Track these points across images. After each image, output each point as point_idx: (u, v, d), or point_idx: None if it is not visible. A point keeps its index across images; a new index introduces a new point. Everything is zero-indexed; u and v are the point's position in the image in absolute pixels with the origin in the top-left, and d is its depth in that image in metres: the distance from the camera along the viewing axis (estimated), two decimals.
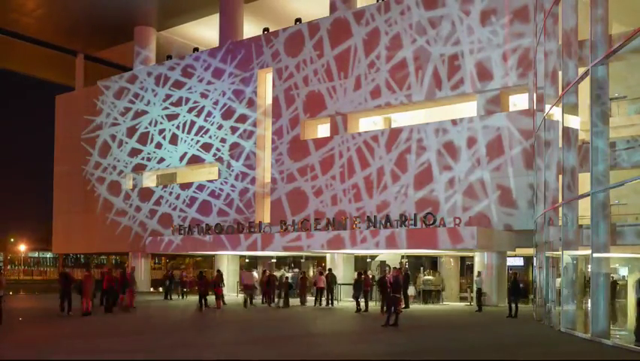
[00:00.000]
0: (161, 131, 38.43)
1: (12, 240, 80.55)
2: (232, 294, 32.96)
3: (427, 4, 28.41)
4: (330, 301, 25.79)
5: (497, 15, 26.43)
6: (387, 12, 29.51)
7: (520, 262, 35.09)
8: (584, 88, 15.67)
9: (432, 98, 28.19)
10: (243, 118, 34.60)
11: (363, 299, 23.56)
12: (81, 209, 43.24)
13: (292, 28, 33.16)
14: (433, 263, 32.59)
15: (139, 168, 39.74)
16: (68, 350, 13.11)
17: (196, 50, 39.68)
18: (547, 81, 19.19)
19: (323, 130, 32.36)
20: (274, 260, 37.62)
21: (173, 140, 37.77)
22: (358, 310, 23.21)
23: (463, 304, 27.79)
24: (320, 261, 36.86)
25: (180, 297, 31.79)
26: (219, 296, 25.41)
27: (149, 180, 39.93)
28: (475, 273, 25.70)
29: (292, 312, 23.55)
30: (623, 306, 17.32)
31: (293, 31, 32.99)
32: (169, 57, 40.50)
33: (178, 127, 37.57)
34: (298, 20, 33.53)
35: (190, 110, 37.04)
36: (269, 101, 34.09)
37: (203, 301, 24.51)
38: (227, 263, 35.63)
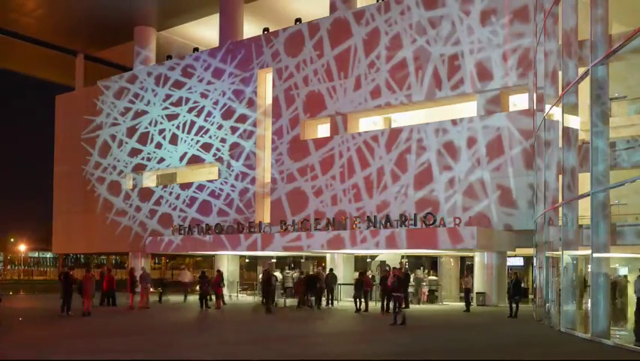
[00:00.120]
0: (161, 131, 38.43)
1: (12, 240, 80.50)
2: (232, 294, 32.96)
3: (427, 4, 28.41)
4: (330, 302, 25.81)
5: (497, 15, 26.44)
6: (387, 12, 29.51)
7: (520, 262, 35.10)
8: (584, 88, 15.67)
9: (432, 98, 28.20)
10: (242, 118, 34.61)
11: (363, 299, 23.57)
12: (81, 209, 43.23)
13: (292, 28, 33.17)
14: (433, 263, 32.58)
15: (139, 168, 39.74)
16: (68, 350, 13.10)
17: (196, 50, 39.68)
18: (547, 81, 19.18)
19: (323, 130, 32.37)
20: (274, 260, 37.60)
21: (173, 140, 37.77)
22: (358, 310, 23.22)
23: (463, 304, 27.70)
24: (320, 261, 36.84)
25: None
26: (219, 296, 25.44)
27: (149, 180, 39.92)
28: (464, 273, 25.66)
29: (292, 312, 23.54)
30: (623, 305, 17.33)
31: (293, 31, 32.99)
32: (169, 57, 40.49)
33: (178, 127, 37.57)
34: (298, 20, 33.53)
35: (190, 110, 37.04)
36: (269, 101, 34.08)
37: (203, 301, 24.52)
38: (228, 263, 35.69)
